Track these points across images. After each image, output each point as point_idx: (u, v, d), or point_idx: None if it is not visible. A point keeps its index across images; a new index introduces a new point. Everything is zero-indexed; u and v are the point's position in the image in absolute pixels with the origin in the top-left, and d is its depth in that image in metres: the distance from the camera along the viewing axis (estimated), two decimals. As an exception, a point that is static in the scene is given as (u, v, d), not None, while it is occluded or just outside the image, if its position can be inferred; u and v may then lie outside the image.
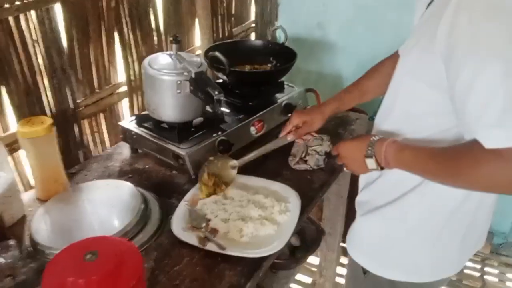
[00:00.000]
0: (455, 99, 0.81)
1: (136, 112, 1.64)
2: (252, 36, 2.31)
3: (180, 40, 1.33)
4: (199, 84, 1.25)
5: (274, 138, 1.32)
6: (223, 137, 1.38)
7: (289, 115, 1.64)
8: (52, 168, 1.23)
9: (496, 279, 2.35)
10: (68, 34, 1.32)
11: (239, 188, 1.27)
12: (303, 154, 1.44)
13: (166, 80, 1.29)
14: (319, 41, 2.46)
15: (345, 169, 1.11)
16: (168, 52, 1.38)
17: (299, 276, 2.27)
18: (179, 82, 1.28)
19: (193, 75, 1.26)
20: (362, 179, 1.17)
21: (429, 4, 0.93)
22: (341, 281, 2.19)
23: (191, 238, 1.08)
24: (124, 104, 1.61)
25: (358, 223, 1.17)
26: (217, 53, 1.45)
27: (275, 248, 1.06)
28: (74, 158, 1.44)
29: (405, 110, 0.98)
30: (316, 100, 1.97)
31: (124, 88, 1.58)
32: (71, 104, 1.38)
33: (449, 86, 0.81)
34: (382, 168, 0.97)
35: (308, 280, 2.28)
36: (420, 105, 0.93)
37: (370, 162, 0.97)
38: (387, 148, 0.93)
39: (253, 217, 1.16)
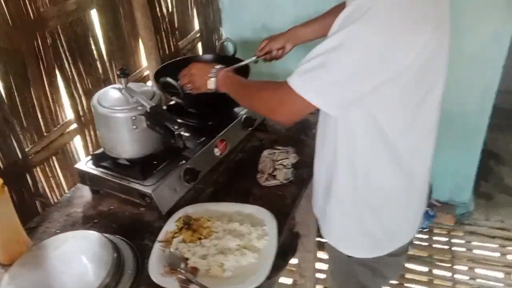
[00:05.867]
0: None
1: (90, 148, 1.56)
2: (199, 46, 2.25)
3: (128, 73, 1.27)
4: (155, 118, 1.20)
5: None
6: (188, 166, 1.34)
7: (250, 129, 1.64)
8: (11, 229, 1.15)
9: (463, 249, 2.48)
10: (5, 82, 1.22)
11: (213, 217, 1.24)
12: (271, 170, 1.43)
13: (119, 117, 1.23)
14: (266, 42, 2.44)
15: (188, 86, 1.33)
16: (117, 86, 1.31)
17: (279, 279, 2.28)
18: (134, 117, 1.23)
19: (148, 110, 1.21)
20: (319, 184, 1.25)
21: None
22: (321, 276, 2.22)
23: (171, 283, 1.05)
24: (77, 142, 1.52)
25: (329, 212, 1.22)
26: (168, 79, 1.40)
27: (260, 278, 1.05)
28: (31, 210, 1.34)
29: None
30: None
31: (74, 126, 1.49)
32: (19, 155, 1.28)
33: None
34: (217, 90, 1.25)
35: (289, 281, 2.30)
36: None
37: (211, 82, 1.24)
38: (222, 74, 1.24)
39: (232, 248, 1.13)
